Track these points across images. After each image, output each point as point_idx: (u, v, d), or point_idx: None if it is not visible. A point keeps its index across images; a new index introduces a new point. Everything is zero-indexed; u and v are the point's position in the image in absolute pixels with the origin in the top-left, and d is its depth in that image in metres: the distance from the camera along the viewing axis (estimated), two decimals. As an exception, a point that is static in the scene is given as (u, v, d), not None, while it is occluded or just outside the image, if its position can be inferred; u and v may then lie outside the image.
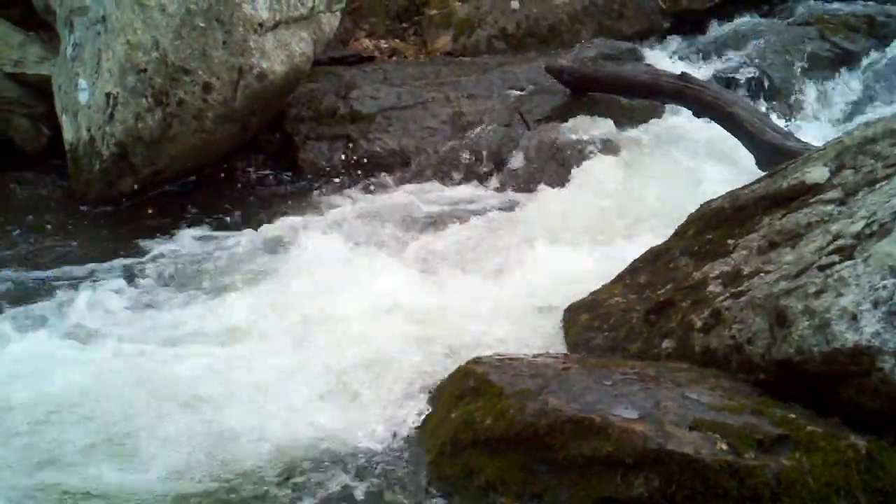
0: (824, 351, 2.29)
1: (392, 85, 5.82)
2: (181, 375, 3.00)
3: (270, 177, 5.39)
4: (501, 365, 2.61)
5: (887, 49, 6.06)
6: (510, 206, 4.72)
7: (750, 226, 2.98)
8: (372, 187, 5.10)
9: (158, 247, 4.36)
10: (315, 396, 2.88)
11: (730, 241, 2.98)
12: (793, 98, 5.84)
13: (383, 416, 2.76)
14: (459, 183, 5.14)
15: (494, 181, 5.11)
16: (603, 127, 5.25)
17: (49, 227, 4.67)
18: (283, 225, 4.54)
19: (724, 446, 2.06)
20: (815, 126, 5.57)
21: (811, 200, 2.84)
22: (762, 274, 2.69)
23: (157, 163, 4.91)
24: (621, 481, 2.09)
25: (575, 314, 3.28)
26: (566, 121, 5.37)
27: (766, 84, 5.88)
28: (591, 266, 3.76)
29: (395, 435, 2.69)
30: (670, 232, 3.43)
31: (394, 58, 6.83)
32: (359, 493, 2.41)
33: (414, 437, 2.65)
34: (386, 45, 7.00)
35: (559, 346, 3.16)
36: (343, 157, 5.42)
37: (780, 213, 2.91)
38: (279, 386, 2.93)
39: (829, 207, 2.75)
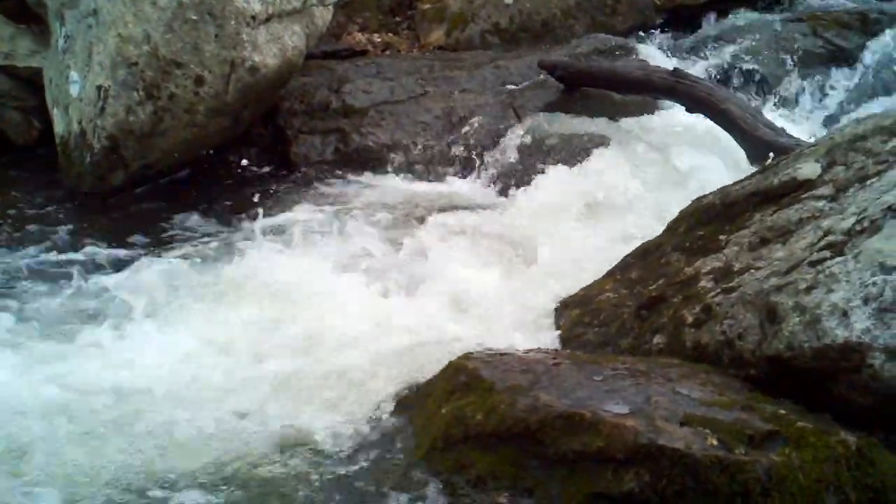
0: (815, 347, 2.30)
1: (385, 79, 5.80)
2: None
3: (262, 171, 5.37)
4: (492, 360, 2.61)
5: (879, 46, 6.06)
6: (502, 201, 4.72)
7: (741, 222, 2.99)
8: (364, 182, 5.09)
9: (150, 241, 4.35)
10: (308, 393, 2.87)
11: (721, 237, 2.98)
12: (785, 94, 5.85)
13: (374, 411, 2.76)
14: (452, 177, 5.14)
15: (487, 176, 5.10)
16: (596, 122, 5.25)
17: (38, 220, 4.64)
18: (274, 219, 4.53)
19: (715, 442, 2.07)
20: (806, 122, 5.59)
21: (802, 197, 2.85)
22: (753, 270, 2.69)
23: (149, 156, 4.89)
24: (612, 476, 2.09)
25: (566, 309, 3.28)
26: (559, 116, 5.37)
27: (759, 80, 5.89)
28: (582, 261, 3.76)
29: (385, 430, 2.68)
30: (662, 227, 3.43)
31: (387, 52, 6.81)
32: (350, 489, 2.41)
33: (405, 432, 2.65)
34: (379, 40, 6.99)
35: (551, 342, 3.16)
36: (335, 151, 5.40)
37: (771, 210, 2.92)
38: (271, 383, 2.93)
39: (820, 204, 2.76)
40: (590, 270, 3.57)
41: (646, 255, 3.31)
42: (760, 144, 4.51)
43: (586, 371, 2.47)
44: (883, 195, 2.54)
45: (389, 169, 5.23)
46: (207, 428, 2.68)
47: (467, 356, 2.68)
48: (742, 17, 6.72)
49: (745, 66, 5.95)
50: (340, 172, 5.23)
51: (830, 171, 2.89)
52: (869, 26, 6.23)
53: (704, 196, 3.32)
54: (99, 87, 4.74)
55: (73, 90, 4.89)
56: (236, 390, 2.90)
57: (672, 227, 3.35)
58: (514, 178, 5.00)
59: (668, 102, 5.36)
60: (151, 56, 4.66)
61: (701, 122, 5.01)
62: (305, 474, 2.48)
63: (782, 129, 4.73)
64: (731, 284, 2.70)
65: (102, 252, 4.23)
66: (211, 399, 2.85)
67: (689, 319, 2.73)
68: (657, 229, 3.49)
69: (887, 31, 6.10)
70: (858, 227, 2.48)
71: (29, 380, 2.97)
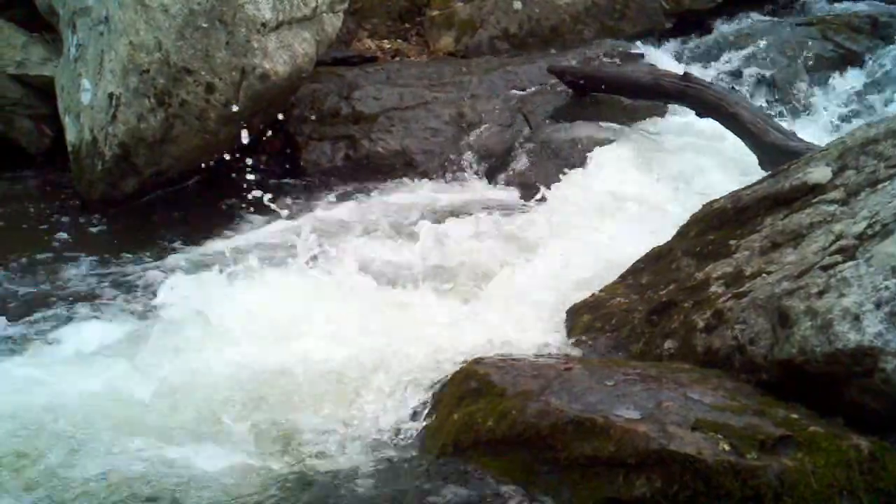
0: (826, 351, 2.29)
1: (395, 85, 5.82)
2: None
3: (273, 177, 5.39)
4: (503, 365, 2.60)
5: (890, 49, 6.05)
6: (513, 206, 4.73)
7: (752, 226, 2.98)
8: (374, 187, 5.11)
9: (158, 250, 4.36)
10: (315, 396, 2.88)
11: (732, 242, 2.98)
12: (795, 98, 5.84)
13: (384, 417, 2.76)
14: (461, 183, 5.15)
15: (497, 181, 5.11)
16: (605, 127, 5.26)
17: (49, 228, 4.67)
18: (285, 226, 4.54)
19: (727, 447, 2.06)
20: (817, 126, 5.57)
21: (813, 201, 2.84)
22: (764, 274, 2.68)
23: (160, 163, 4.92)
24: (623, 482, 2.08)
25: (577, 314, 3.28)
26: (569, 121, 5.38)
27: (769, 84, 5.89)
28: (593, 266, 3.76)
29: (395, 436, 2.69)
30: (672, 232, 3.43)
31: (396, 58, 6.83)
32: (359, 494, 2.41)
33: (415, 438, 2.65)
34: (388, 46, 7.01)
35: (562, 347, 3.16)
36: (345, 157, 5.42)
37: (782, 214, 2.91)
38: (273, 385, 2.93)
39: (832, 208, 2.75)
40: (601, 274, 3.57)
41: (656, 260, 3.31)
42: (771, 148, 4.51)
43: (598, 376, 2.47)
44: (894, 199, 2.54)
45: (399, 174, 5.24)
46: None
47: (478, 361, 2.68)
48: (751, 21, 6.72)
49: (756, 71, 5.95)
50: (351, 178, 5.25)
51: (842, 174, 2.88)
52: (879, 30, 6.22)
53: (715, 200, 3.31)
54: (110, 95, 4.77)
55: (85, 98, 4.92)
56: (262, 397, 2.91)
57: (683, 232, 3.34)
58: (523, 181, 5.02)
59: (678, 107, 5.36)
60: (163, 63, 4.68)
61: (711, 126, 5.01)
62: (310, 480, 2.48)
63: (793, 133, 4.72)
64: (742, 289, 2.69)
65: (110, 262, 4.24)
66: (230, 400, 2.86)
67: (700, 324, 2.72)
68: (668, 233, 3.49)
69: (898, 35, 6.10)
70: (870, 231, 2.47)
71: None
